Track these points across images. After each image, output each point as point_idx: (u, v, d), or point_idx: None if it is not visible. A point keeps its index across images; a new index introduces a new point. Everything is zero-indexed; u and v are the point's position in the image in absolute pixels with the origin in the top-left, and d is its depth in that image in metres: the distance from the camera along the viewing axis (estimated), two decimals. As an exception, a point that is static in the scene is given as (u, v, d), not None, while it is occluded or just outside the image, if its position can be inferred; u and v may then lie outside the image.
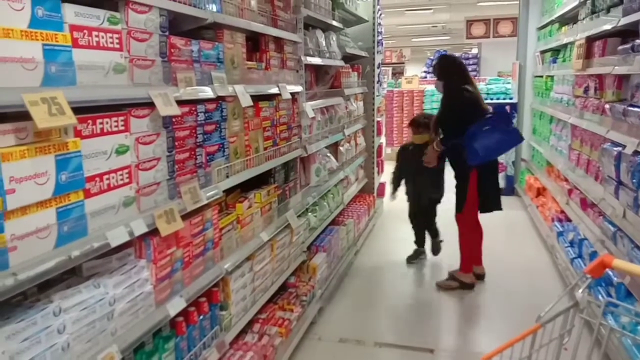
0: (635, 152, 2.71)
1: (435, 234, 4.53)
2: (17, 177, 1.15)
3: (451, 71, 3.72)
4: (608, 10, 3.51)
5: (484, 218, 3.96)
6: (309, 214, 3.52)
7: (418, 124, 4.23)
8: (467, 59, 13.78)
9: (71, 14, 1.37)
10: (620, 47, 3.18)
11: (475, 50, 14.81)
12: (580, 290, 1.18)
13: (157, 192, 1.69)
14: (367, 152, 5.51)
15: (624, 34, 3.27)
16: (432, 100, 9.69)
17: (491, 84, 8.80)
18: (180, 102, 1.78)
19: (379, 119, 5.91)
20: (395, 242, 5.04)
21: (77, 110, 1.30)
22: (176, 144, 1.80)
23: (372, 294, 3.80)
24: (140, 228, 1.55)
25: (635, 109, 2.78)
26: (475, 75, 12.31)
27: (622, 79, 3.29)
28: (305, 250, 3.33)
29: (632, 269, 1.16)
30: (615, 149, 3.07)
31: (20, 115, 1.17)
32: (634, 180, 2.71)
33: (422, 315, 3.48)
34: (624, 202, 2.86)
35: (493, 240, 4.71)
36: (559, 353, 1.30)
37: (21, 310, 1.23)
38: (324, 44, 3.79)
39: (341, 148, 4.43)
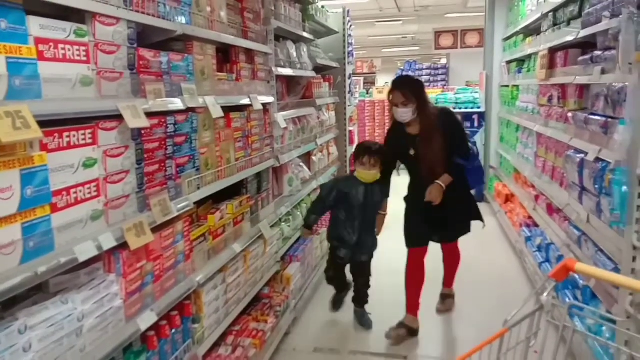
0: (597, 159, 2.81)
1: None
2: (-20, 193, 1.13)
3: (424, 93, 3.13)
4: (569, 23, 3.65)
5: None
6: (283, 223, 3.52)
7: (371, 152, 3.14)
8: (436, 69, 14.06)
9: (36, 26, 1.35)
10: (580, 58, 3.30)
11: (444, 61, 15.12)
12: (546, 294, 1.21)
13: (126, 205, 1.67)
14: (340, 162, 5.55)
15: (585, 45, 3.40)
16: (403, 109, 9.81)
17: (459, 93, 8.98)
18: (150, 114, 1.77)
19: (351, 129, 5.96)
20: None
21: (43, 123, 1.29)
22: (145, 156, 1.79)
23: (347, 302, 3.81)
24: (109, 242, 1.53)
25: (596, 118, 2.88)
26: (444, 85, 12.57)
27: (583, 89, 3.41)
28: (279, 261, 3.32)
29: (593, 272, 1.21)
30: (578, 156, 3.17)
31: (-17, 130, 1.15)
32: (596, 186, 2.80)
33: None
34: (587, 207, 2.96)
35: (463, 247, 4.79)
36: (526, 356, 1.33)
37: (-15, 328, 1.20)
38: (295, 55, 3.82)
39: (314, 158, 4.46)
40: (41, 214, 1.31)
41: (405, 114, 3.05)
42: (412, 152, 3.10)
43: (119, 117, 1.62)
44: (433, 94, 10.18)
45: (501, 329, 1.24)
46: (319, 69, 4.62)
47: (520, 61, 5.61)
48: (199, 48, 2.24)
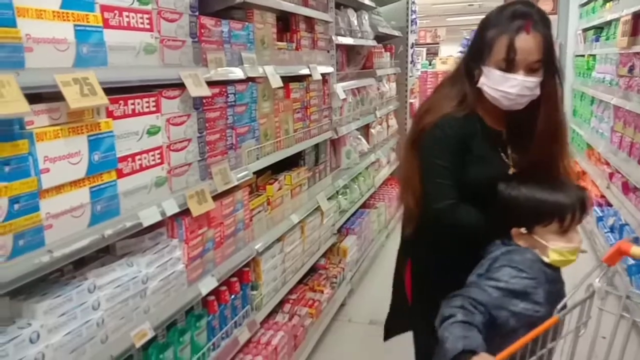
0: (684, 134, 2.57)
1: None
2: (51, 157, 1.17)
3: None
4: (657, -16, 3.32)
5: None
6: (340, 196, 3.50)
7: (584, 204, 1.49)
8: (504, 38, 13.33)
9: (101, -6, 1.37)
10: (669, 23, 3.01)
11: (512, 30, 14.33)
12: (597, 280, 1.09)
13: (188, 172, 1.70)
14: (400, 135, 5.43)
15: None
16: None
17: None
18: (211, 83, 1.78)
19: (412, 101, 5.81)
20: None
21: (109, 90, 1.31)
22: (207, 125, 1.80)
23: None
24: (172, 208, 1.57)
25: (685, 88, 2.63)
26: (513, 55, 11.92)
27: (671, 57, 3.12)
28: (336, 233, 3.32)
29: None
30: (661, 130, 2.92)
31: (53, 96, 1.19)
32: (681, 164, 2.58)
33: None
34: (669, 186, 2.74)
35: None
36: (576, 345, 1.22)
37: (58, 286, 1.27)
38: (355, 24, 3.73)
39: (372, 130, 4.38)
40: (108, 179, 1.35)
41: (533, 89, 1.46)
42: (511, 170, 1.56)
43: (181, 86, 1.63)
44: (499, 64, 9.71)
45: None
46: (380, 38, 4.50)
47: (599, 28, 5.21)
48: (259, 16, 2.21)
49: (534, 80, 1.43)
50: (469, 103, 1.53)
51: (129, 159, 1.44)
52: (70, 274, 1.36)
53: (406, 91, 5.48)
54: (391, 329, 1.91)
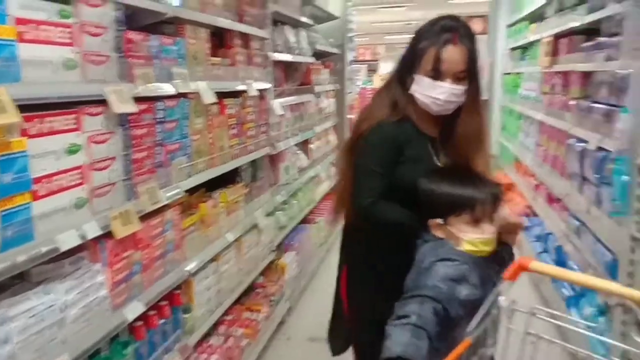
0: (599, 148, 2.75)
1: None
2: (-47, 180, 1.08)
3: None
4: (574, 9, 3.56)
5: None
6: (278, 212, 3.48)
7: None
8: (440, 56, 13.88)
9: (16, 6, 1.29)
10: (584, 45, 3.23)
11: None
12: (503, 298, 1.09)
13: (112, 193, 1.63)
14: (339, 150, 5.50)
15: (589, 32, 3.32)
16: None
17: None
18: (139, 99, 1.72)
19: (351, 117, 5.90)
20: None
21: (23, 108, 1.24)
22: (133, 142, 1.74)
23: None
24: (93, 231, 1.49)
25: (598, 106, 2.82)
26: (448, 73, 12.42)
27: (586, 76, 3.34)
28: (274, 250, 3.29)
29: (548, 270, 1.11)
30: (579, 145, 3.12)
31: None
32: (597, 176, 2.76)
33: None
34: (587, 197, 2.91)
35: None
36: None
37: (-39, 320, 1.17)
38: (293, 41, 3.75)
39: (312, 146, 4.41)
40: (20, 201, 1.27)
41: (459, 96, 1.59)
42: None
43: (104, 102, 1.57)
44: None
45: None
46: (318, 55, 4.55)
47: (524, 48, 5.52)
48: (191, 31, 2.18)
49: (460, 88, 1.57)
50: (401, 109, 1.64)
51: (46, 180, 1.36)
52: (-23, 305, 1.25)
53: (345, 107, 5.57)
54: (336, 342, 1.91)
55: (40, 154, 1.35)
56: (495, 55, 6.89)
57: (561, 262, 3.61)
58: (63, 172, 1.42)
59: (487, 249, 1.45)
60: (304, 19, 4.03)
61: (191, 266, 2.10)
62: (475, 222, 1.44)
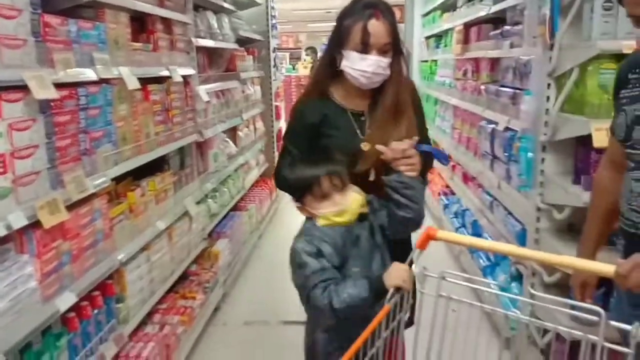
0: (507, 129, 3.00)
1: None
2: None
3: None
4: (481, -1, 3.82)
5: None
6: (209, 200, 3.47)
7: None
8: (360, 44, 14.20)
9: None
10: (492, 33, 3.48)
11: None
12: (414, 266, 1.19)
13: (37, 181, 1.57)
14: (267, 137, 5.52)
15: (497, 20, 3.58)
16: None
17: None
18: (60, 85, 1.67)
19: (277, 104, 5.94)
20: (298, 224, 5.13)
21: None
22: (56, 129, 1.68)
23: (276, 276, 3.84)
24: (19, 221, 1.44)
25: (505, 90, 3.07)
26: (368, 60, 12.73)
27: (494, 62, 3.61)
28: (206, 238, 3.29)
29: (453, 238, 1.22)
30: (489, 126, 3.37)
31: None
32: (506, 154, 3.01)
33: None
34: (498, 174, 3.16)
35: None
36: (402, 332, 1.27)
37: None
38: (216, 26, 3.72)
39: (240, 133, 4.40)
40: (-62, 192, 1.21)
41: (385, 68, 1.66)
42: (363, 144, 1.68)
43: (24, 88, 1.51)
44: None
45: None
46: (242, 42, 4.53)
47: (438, 37, 5.81)
48: (111, 16, 2.12)
49: (385, 61, 1.65)
50: (323, 87, 1.76)
51: (-36, 169, 1.30)
52: None
53: (271, 94, 5.59)
54: None
55: (-43, 142, 1.29)
56: (412, 43, 7.17)
57: (477, 234, 3.89)
58: (-17, 161, 1.36)
59: (341, 219, 1.54)
60: (226, 5, 4.00)
61: (122, 256, 2.07)
62: (323, 197, 1.53)
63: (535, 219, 2.48)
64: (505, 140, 3.02)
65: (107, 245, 2.00)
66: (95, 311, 1.89)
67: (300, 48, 19.25)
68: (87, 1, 1.93)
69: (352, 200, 1.55)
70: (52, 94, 1.59)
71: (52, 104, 1.66)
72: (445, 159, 1.78)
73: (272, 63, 5.58)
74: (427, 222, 5.29)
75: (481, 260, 3.60)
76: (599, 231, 1.64)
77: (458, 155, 4.36)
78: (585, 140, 2.06)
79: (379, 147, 1.56)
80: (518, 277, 2.98)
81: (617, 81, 1.48)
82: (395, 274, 1.31)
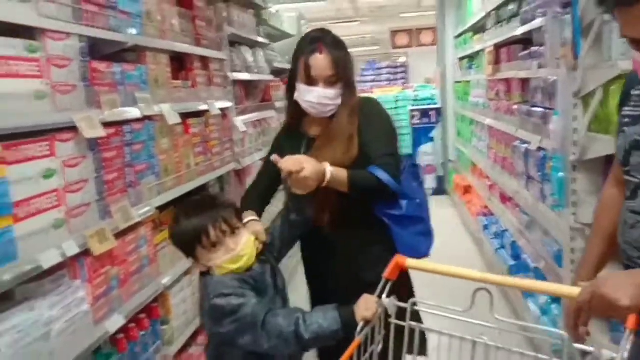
0: (539, 148, 3.00)
1: None
2: (-58, 207, 1.17)
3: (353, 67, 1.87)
4: (509, 21, 3.86)
5: None
6: (247, 226, 3.59)
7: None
8: (396, 67, 14.32)
9: (-13, 44, 1.39)
10: (521, 54, 3.50)
11: (403, 59, 15.42)
12: (385, 296, 1.15)
13: (87, 213, 1.72)
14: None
15: (527, 41, 3.61)
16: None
17: (418, 90, 9.22)
18: (106, 124, 1.83)
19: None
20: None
21: (0, 138, 1.34)
22: (104, 165, 1.84)
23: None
24: (72, 249, 1.58)
25: (536, 109, 3.08)
26: (404, 83, 12.82)
27: (525, 82, 3.62)
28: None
29: (424, 266, 1.20)
30: (523, 146, 3.37)
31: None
32: (539, 174, 3.00)
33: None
34: (533, 194, 3.15)
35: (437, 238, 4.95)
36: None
37: (-47, 337, 1.24)
38: (251, 60, 3.90)
39: (275, 160, 4.53)
40: (3, 224, 1.36)
41: (333, 98, 1.75)
42: (272, 157, 1.66)
43: (75, 129, 1.67)
44: (392, 92, 10.40)
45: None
46: (276, 72, 4.71)
47: (471, 58, 5.85)
48: (152, 58, 2.30)
49: (331, 92, 1.75)
50: (288, 114, 1.96)
51: (25, 204, 1.45)
52: (-34, 324, 1.33)
53: (306, 121, 5.73)
54: None
55: (19, 179, 1.44)
56: (446, 64, 7.22)
57: (516, 255, 3.85)
58: (40, 196, 1.51)
59: (237, 265, 1.47)
60: (260, 39, 4.19)
61: (166, 280, 2.19)
62: (213, 246, 1.46)
63: (569, 239, 2.46)
64: (539, 160, 3.01)
65: (152, 270, 2.13)
66: (142, 333, 2.01)
67: (336, 73, 19.55)
68: (129, 46, 2.10)
69: (246, 242, 1.49)
70: (100, 132, 1.75)
71: (99, 141, 1.82)
72: (397, 191, 1.71)
73: (307, 91, 5.73)
74: (466, 243, 5.24)
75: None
76: (600, 252, 1.49)
77: (495, 175, 4.35)
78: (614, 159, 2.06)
79: (273, 157, 1.63)
80: (558, 299, 2.93)
81: (622, 97, 1.42)
82: (364, 306, 1.26)
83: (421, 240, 1.83)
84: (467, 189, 6.18)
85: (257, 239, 1.56)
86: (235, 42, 3.71)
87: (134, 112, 2.04)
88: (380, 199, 1.76)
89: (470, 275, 1.11)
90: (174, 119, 2.31)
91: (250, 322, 1.40)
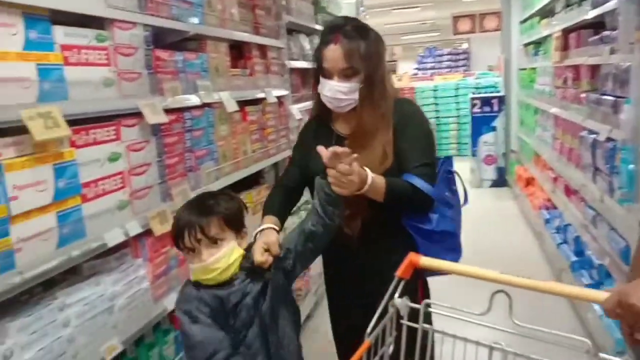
0: (608, 139, 2.84)
1: None
2: (19, 185, 1.27)
3: (384, 58, 1.75)
4: (580, 4, 3.64)
5: (472, 208, 3.81)
6: (302, 211, 3.63)
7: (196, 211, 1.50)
8: (457, 54, 13.93)
9: (61, 34, 1.48)
10: (591, 39, 3.31)
11: (465, 45, 14.97)
12: (397, 296, 1.07)
13: (149, 195, 1.81)
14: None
15: (597, 25, 3.40)
16: (423, 96, 9.83)
17: (480, 77, 8.94)
18: (168, 111, 1.90)
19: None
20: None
21: (71, 122, 1.42)
22: (165, 149, 1.92)
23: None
24: (135, 229, 1.67)
25: (606, 98, 2.90)
26: (465, 70, 12.45)
27: (594, 69, 3.42)
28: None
29: (438, 265, 1.11)
30: (591, 136, 3.20)
31: (19, 129, 1.29)
32: (608, 166, 2.84)
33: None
34: (600, 187, 2.99)
35: (482, 231, 4.83)
36: None
37: (29, 306, 1.35)
38: (308, 48, 3.92)
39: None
40: (73, 204, 1.45)
41: (347, 93, 1.62)
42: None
43: (139, 115, 1.75)
44: (453, 79, 10.15)
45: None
46: (333, 60, 4.70)
47: (537, 43, 5.58)
48: (212, 46, 2.36)
49: (346, 86, 1.60)
50: (314, 106, 1.83)
51: (93, 185, 1.55)
52: (39, 295, 1.44)
53: (362, 109, 5.70)
54: None
55: (87, 162, 1.53)
56: (510, 51, 6.93)
57: (579, 251, 3.68)
58: (107, 178, 1.61)
59: (207, 277, 1.38)
60: (317, 27, 4.19)
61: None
62: (189, 250, 1.40)
63: (638, 236, 2.31)
64: (607, 151, 2.85)
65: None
66: (198, 312, 2.09)
67: (395, 60, 19.27)
68: (191, 35, 2.17)
69: (223, 256, 1.38)
70: (163, 118, 1.82)
71: (162, 127, 1.90)
72: (439, 200, 1.58)
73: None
74: (527, 237, 5.04)
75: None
76: None
77: (560, 167, 4.16)
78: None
79: (319, 148, 1.44)
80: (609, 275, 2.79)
81: None
82: (259, 251, 1.40)
83: (448, 256, 1.61)
84: (529, 181, 5.95)
85: (267, 250, 1.45)
86: (292, 30, 3.74)
87: (194, 100, 2.11)
88: (416, 209, 1.63)
89: (489, 275, 1.02)
90: (232, 106, 2.37)
91: (197, 350, 1.39)
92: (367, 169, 1.50)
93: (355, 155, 1.43)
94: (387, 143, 1.63)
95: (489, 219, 5.40)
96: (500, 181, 7.14)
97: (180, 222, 1.43)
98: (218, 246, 1.39)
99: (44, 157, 1.35)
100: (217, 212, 1.42)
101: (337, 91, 1.61)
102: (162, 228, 1.79)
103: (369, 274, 1.68)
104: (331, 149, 1.40)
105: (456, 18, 12.05)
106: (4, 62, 1.28)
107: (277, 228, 1.62)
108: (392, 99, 1.69)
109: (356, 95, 1.62)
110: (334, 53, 1.60)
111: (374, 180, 1.50)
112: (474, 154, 7.39)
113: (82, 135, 1.53)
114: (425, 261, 1.09)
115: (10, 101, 1.27)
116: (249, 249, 1.49)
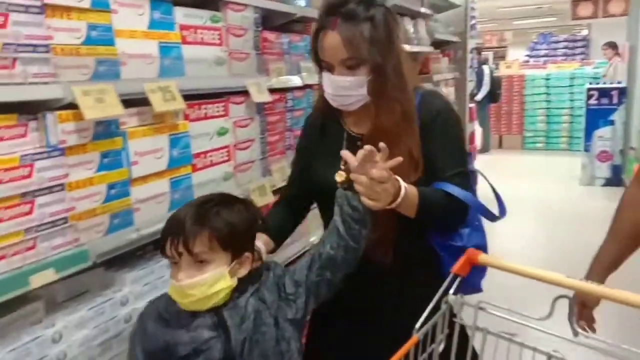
0: None
1: None
2: (140, 152, 1.41)
3: (399, 43, 1.38)
4: None
5: (581, 209, 3.27)
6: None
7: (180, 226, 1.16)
8: (575, 41, 12.90)
9: (180, 15, 1.61)
10: None
11: (585, 32, 13.80)
12: (451, 292, 1.00)
13: (251, 169, 1.92)
14: (458, 139, 5.45)
15: None
16: (533, 85, 9.25)
17: (599, 67, 8.23)
18: (272, 90, 1.99)
19: (471, 105, 5.82)
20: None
21: (186, 97, 1.55)
22: (268, 127, 2.02)
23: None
24: (237, 199, 1.79)
25: None
26: (583, 58, 11.50)
27: None
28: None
29: (498, 263, 1.02)
30: None
31: (141, 101, 1.43)
32: None
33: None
34: None
35: (590, 235, 4.47)
36: None
37: (143, 261, 1.51)
38: (411, 31, 3.86)
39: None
40: (184, 172, 1.58)
41: (352, 88, 1.31)
42: (338, 175, 1.23)
43: (246, 93, 1.85)
44: (568, 68, 9.44)
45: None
46: (437, 44, 4.59)
47: (671, 28, 5.02)
48: (317, 28, 2.41)
49: (350, 79, 1.29)
50: (318, 100, 1.52)
51: (202, 156, 1.67)
52: (151, 252, 1.60)
53: (465, 95, 5.51)
54: None
55: (198, 134, 1.66)
56: (638, 38, 6.29)
57: None
58: (215, 150, 1.73)
59: (180, 300, 1.13)
60: (423, 10, 4.11)
61: (313, 238, 2.35)
62: (170, 259, 1.14)
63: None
64: None
65: (302, 227, 2.29)
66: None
67: (505, 47, 18.27)
68: (297, 17, 2.24)
69: (196, 285, 1.10)
70: (267, 97, 1.91)
71: (265, 106, 1.99)
72: (482, 212, 1.34)
73: (469, 64, 5.49)
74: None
75: None
76: (617, 252, 1.47)
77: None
78: None
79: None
80: None
81: None
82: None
83: (476, 273, 1.28)
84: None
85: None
86: (398, 12, 3.69)
87: (296, 81, 2.18)
88: (449, 224, 1.37)
89: (553, 278, 0.92)
90: (332, 87, 2.42)
91: None
92: (397, 176, 1.18)
93: (398, 158, 1.13)
94: (414, 146, 1.32)
95: (594, 219, 4.97)
96: (615, 180, 6.56)
97: (169, 222, 1.16)
98: (200, 267, 1.11)
99: (162, 128, 1.48)
100: (209, 225, 1.12)
101: (339, 86, 1.31)
102: (261, 200, 1.90)
103: (388, 307, 1.40)
104: (366, 147, 1.09)
105: (576, 2, 11.09)
106: (132, 40, 1.42)
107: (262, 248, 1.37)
108: (413, 92, 1.37)
109: (364, 90, 1.31)
110: (331, 41, 1.28)
111: (407, 190, 1.19)
112: (586, 149, 6.85)
113: (194, 110, 1.65)
114: (484, 258, 1.01)
115: (135, 75, 1.42)
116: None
